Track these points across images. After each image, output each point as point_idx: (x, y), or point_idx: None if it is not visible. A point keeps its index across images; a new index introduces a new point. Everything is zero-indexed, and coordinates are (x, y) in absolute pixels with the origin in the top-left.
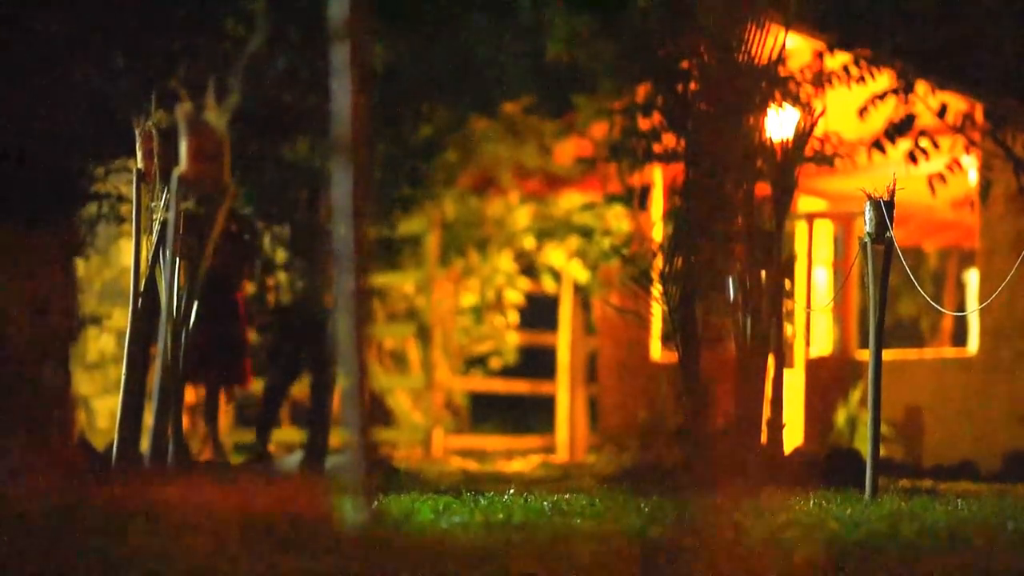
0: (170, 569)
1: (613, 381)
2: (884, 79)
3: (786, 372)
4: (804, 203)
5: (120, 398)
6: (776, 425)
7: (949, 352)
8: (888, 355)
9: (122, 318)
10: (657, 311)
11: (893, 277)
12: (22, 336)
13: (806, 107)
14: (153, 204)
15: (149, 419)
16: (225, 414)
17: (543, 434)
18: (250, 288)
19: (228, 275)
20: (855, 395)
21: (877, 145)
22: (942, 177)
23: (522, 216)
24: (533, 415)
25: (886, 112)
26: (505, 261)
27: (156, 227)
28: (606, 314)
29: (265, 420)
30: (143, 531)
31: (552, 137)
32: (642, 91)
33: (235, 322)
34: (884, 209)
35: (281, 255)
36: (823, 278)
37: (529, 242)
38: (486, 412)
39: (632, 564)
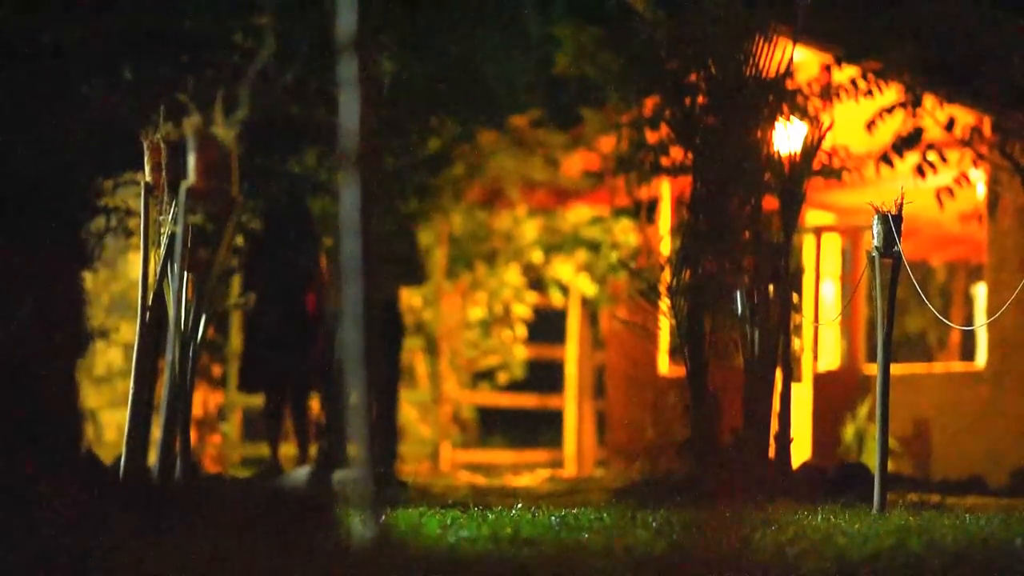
0: None
1: (621, 395)
2: (892, 92)
3: (794, 386)
4: (812, 217)
5: (128, 411)
6: (784, 439)
7: (957, 366)
8: (896, 369)
9: (130, 331)
10: (665, 325)
11: (901, 291)
12: (29, 349)
13: (814, 120)
14: (161, 217)
15: (157, 432)
16: (289, 426)
17: (551, 448)
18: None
19: (299, 276)
20: (863, 409)
21: (885, 159)
22: (950, 191)
23: (530, 229)
24: (541, 429)
25: (894, 126)
26: (513, 275)
27: (164, 240)
28: (614, 328)
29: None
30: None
31: (560, 150)
32: (650, 104)
33: (303, 327)
34: (892, 223)
35: None
36: (831, 292)
37: (537, 256)
38: (494, 426)
39: None
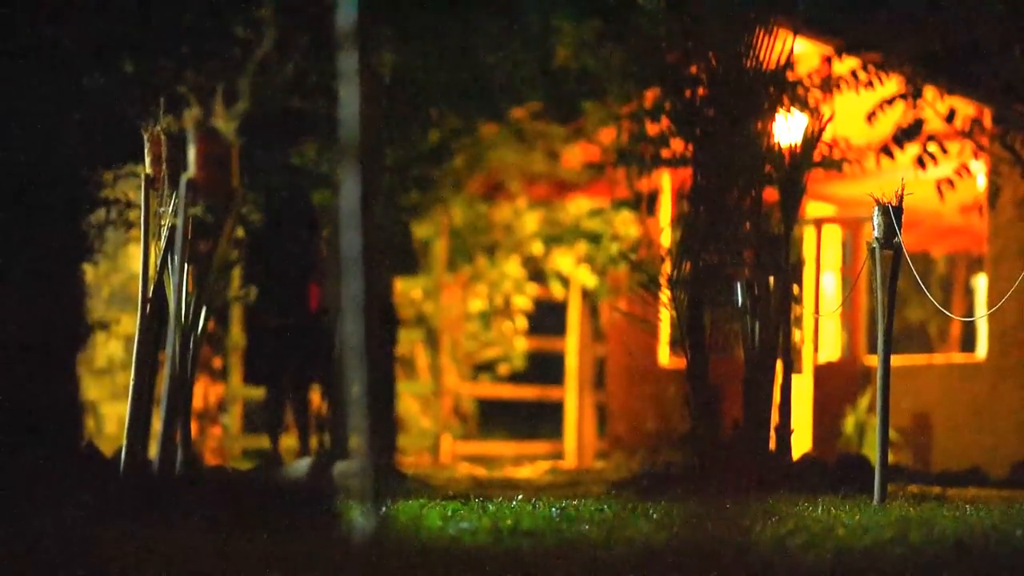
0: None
1: (621, 387)
2: (892, 84)
3: (794, 378)
4: (812, 208)
5: (128, 404)
6: (784, 431)
7: (957, 358)
8: (896, 361)
9: (130, 324)
10: (665, 316)
11: (901, 282)
12: (30, 342)
13: (814, 112)
14: (162, 209)
15: (158, 425)
16: (290, 418)
17: (551, 440)
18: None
19: (302, 268)
20: (863, 401)
21: (885, 150)
22: (950, 182)
23: (530, 221)
24: (541, 421)
25: (894, 117)
26: (513, 266)
27: (164, 232)
28: (614, 320)
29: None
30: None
31: (560, 142)
32: (650, 96)
33: (305, 319)
34: (892, 214)
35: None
36: (831, 283)
37: (537, 247)
38: (494, 418)
39: (640, 570)
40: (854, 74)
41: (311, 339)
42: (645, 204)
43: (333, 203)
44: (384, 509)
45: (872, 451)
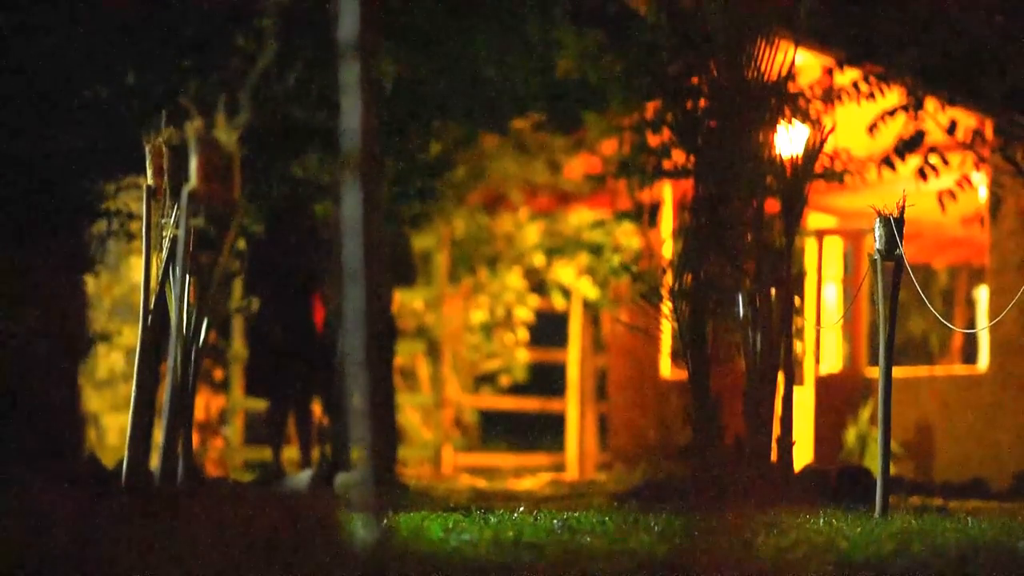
0: None
1: (623, 398)
2: (894, 95)
3: (796, 389)
4: (814, 220)
5: (130, 415)
6: (786, 442)
7: (959, 369)
8: (898, 372)
9: (132, 335)
10: (667, 328)
11: (903, 294)
12: (32, 353)
13: (816, 123)
14: (163, 221)
15: (159, 436)
16: (292, 430)
17: (553, 452)
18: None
19: (302, 278)
20: (865, 412)
21: (887, 161)
22: (952, 194)
23: (532, 233)
24: (543, 432)
25: (896, 128)
26: (515, 278)
27: (166, 244)
28: (616, 331)
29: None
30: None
31: (562, 154)
32: (651, 107)
33: (308, 330)
34: (894, 226)
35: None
36: (833, 295)
37: (539, 259)
38: (496, 429)
39: None
40: (855, 85)
41: (312, 350)
42: (646, 215)
43: (334, 214)
44: (385, 521)
45: (874, 463)
